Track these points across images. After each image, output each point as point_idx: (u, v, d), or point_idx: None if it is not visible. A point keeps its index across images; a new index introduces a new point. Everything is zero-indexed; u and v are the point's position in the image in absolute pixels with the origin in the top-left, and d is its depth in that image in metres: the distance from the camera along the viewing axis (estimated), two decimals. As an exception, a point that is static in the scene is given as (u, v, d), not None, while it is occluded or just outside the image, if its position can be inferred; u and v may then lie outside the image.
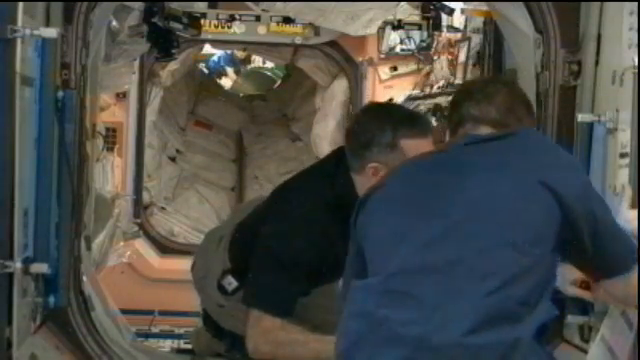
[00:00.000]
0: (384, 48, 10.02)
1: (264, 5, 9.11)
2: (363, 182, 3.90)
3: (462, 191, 3.01)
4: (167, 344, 7.79)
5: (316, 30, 10.25)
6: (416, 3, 9.17)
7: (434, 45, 9.37)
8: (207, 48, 12.82)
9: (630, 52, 3.73)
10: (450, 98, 3.87)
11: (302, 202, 4.09)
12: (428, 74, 9.58)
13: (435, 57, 9.31)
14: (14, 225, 3.61)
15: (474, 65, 7.38)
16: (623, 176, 3.74)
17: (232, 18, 10.01)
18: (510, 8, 4.86)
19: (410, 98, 9.48)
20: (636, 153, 3.63)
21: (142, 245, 10.23)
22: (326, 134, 11.20)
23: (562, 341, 4.25)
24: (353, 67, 10.67)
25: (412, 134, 3.90)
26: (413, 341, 2.85)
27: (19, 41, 3.55)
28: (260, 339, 4.03)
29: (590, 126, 4.14)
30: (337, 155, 4.17)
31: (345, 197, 3.93)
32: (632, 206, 3.55)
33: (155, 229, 10.79)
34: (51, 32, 3.84)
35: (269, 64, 14.77)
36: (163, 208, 11.47)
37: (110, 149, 8.84)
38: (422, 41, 9.65)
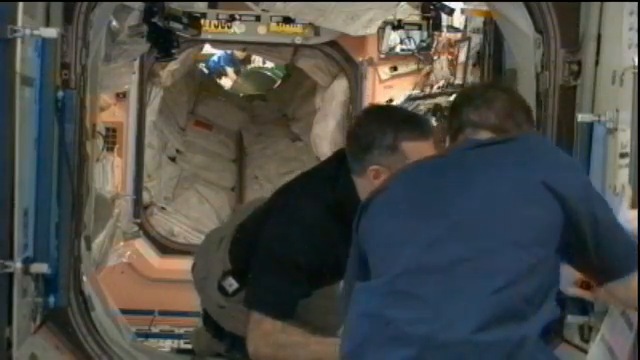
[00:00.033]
0: (384, 48, 10.02)
1: (264, 5, 9.11)
2: (364, 184, 3.90)
3: (464, 192, 3.02)
4: (167, 344, 7.79)
5: (316, 30, 10.26)
6: (416, 3, 9.17)
7: (434, 45, 9.37)
8: (207, 48, 12.82)
9: (630, 52, 3.73)
10: (450, 98, 3.88)
11: (303, 204, 4.09)
12: (428, 74, 9.58)
13: (435, 57, 9.30)
14: (14, 225, 3.62)
15: (474, 65, 7.37)
16: (623, 176, 3.74)
17: (232, 18, 10.01)
18: (510, 8, 4.86)
19: (410, 98, 9.48)
20: (636, 153, 3.63)
21: (142, 245, 10.24)
22: (326, 134, 11.20)
23: (562, 341, 4.25)
24: (353, 67, 10.67)
25: (413, 136, 3.89)
26: (420, 340, 2.86)
27: (19, 41, 3.55)
28: (261, 341, 4.03)
29: (590, 126, 4.14)
30: (338, 157, 4.16)
31: (346, 199, 3.93)
32: (632, 206, 3.55)
33: (155, 229, 10.79)
34: (51, 32, 3.84)
35: (269, 64, 14.77)
36: (163, 208, 11.47)
37: (110, 149, 8.84)
38: (422, 41, 9.65)
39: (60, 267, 4.32)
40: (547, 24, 4.51)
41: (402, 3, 8.98)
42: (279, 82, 14.54)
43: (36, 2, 3.99)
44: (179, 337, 8.40)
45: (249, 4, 9.37)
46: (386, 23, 9.49)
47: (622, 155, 3.77)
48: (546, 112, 4.52)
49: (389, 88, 10.26)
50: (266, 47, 11.24)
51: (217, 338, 4.60)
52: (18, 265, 3.59)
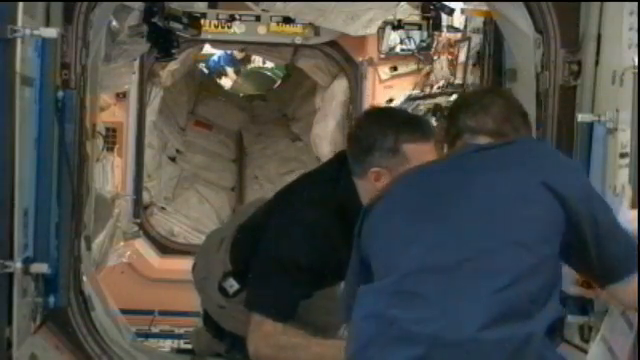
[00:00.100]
0: (384, 48, 10.02)
1: (264, 5, 9.11)
2: (365, 186, 3.91)
3: (465, 194, 3.04)
4: (167, 344, 7.79)
5: (316, 30, 10.25)
6: (416, 3, 9.17)
7: (434, 45, 9.36)
8: (207, 48, 12.81)
9: (630, 52, 3.73)
10: (450, 98, 3.90)
11: (304, 206, 4.09)
12: (428, 74, 9.58)
13: (435, 57, 9.30)
14: (14, 225, 3.62)
15: (474, 65, 7.36)
16: (623, 176, 3.74)
17: (232, 18, 10.01)
18: (510, 8, 4.86)
19: (410, 98, 9.48)
20: (636, 153, 3.63)
21: (142, 245, 10.23)
22: (326, 134, 11.20)
23: (562, 341, 4.24)
24: (353, 67, 10.67)
25: (414, 138, 3.89)
26: (427, 339, 2.87)
27: (19, 41, 3.55)
28: (261, 343, 4.03)
29: (590, 126, 4.14)
30: (339, 159, 4.16)
31: (347, 201, 3.94)
32: (632, 206, 3.56)
33: (155, 229, 10.79)
34: (51, 32, 3.84)
35: (269, 64, 14.77)
36: (163, 208, 11.47)
37: (110, 149, 8.83)
38: (422, 41, 9.64)
39: (60, 267, 4.32)
40: (547, 24, 4.51)
41: (402, 3, 8.98)
42: (279, 82, 14.54)
43: (36, 2, 3.99)
44: (179, 337, 8.40)
45: (249, 4, 9.37)
46: (386, 23, 9.48)
47: (622, 155, 3.77)
48: (546, 112, 4.52)
49: (389, 88, 10.26)
50: (266, 47, 11.23)
51: (217, 338, 4.60)
52: (18, 265, 3.59)
